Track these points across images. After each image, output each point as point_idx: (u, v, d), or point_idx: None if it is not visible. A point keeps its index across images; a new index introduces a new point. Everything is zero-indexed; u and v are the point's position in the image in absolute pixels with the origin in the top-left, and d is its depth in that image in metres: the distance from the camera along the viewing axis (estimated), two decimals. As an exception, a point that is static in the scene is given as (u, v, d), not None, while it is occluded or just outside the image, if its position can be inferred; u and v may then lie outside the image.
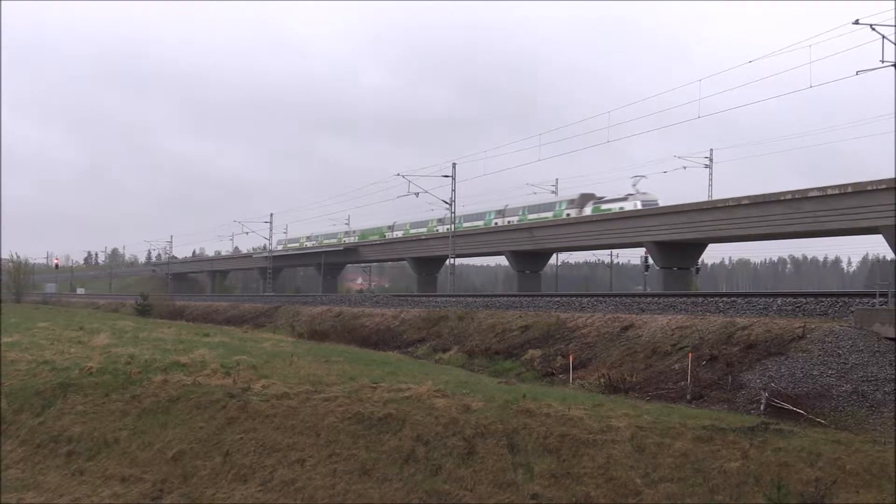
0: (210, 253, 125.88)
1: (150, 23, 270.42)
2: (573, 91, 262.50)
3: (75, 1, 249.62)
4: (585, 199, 60.00)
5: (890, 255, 61.43)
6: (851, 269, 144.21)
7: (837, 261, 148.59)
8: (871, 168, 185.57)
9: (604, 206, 56.88)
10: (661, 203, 52.26)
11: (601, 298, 30.42)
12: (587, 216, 54.85)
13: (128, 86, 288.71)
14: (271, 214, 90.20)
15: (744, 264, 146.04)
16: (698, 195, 59.38)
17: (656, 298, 27.91)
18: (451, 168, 55.22)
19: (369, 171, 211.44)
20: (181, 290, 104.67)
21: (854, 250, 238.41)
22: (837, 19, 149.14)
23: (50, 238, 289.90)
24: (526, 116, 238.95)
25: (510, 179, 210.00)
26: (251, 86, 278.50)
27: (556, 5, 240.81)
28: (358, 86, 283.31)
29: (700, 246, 52.08)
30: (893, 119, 32.32)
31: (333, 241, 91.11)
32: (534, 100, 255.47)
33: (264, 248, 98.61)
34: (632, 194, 55.65)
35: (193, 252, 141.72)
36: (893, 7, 24.48)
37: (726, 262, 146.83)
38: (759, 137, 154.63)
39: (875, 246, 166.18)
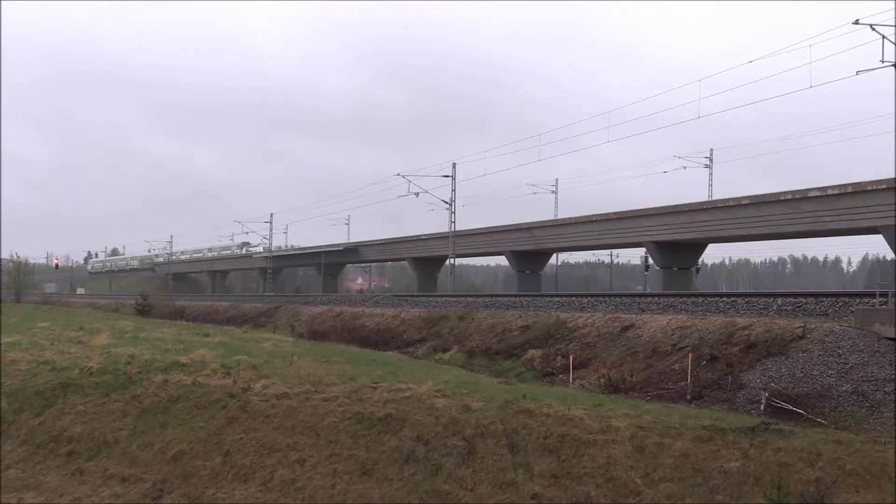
0: (210, 254, 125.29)
1: (108, 26, 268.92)
2: (530, 92, 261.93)
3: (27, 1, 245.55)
4: (244, 245, 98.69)
5: (890, 255, 61.55)
6: (851, 269, 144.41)
7: (837, 261, 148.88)
8: (859, 170, 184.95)
9: (250, 250, 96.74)
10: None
11: (601, 298, 30.44)
12: (588, 216, 55.09)
13: (90, 87, 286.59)
14: (271, 214, 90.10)
15: (744, 264, 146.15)
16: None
17: (656, 298, 27.91)
18: (450, 168, 55.89)
19: (365, 173, 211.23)
20: (181, 290, 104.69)
21: (854, 250, 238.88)
22: (837, 19, 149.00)
23: (50, 238, 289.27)
24: (487, 119, 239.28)
25: (508, 181, 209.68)
26: (215, 87, 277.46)
27: (515, 5, 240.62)
28: (323, 87, 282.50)
29: (700, 246, 52.06)
30: (893, 119, 32.27)
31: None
32: (490, 101, 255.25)
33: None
34: (260, 243, 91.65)
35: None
36: (893, 7, 24.47)
37: (726, 262, 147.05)
38: (759, 139, 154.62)
39: (875, 246, 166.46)
